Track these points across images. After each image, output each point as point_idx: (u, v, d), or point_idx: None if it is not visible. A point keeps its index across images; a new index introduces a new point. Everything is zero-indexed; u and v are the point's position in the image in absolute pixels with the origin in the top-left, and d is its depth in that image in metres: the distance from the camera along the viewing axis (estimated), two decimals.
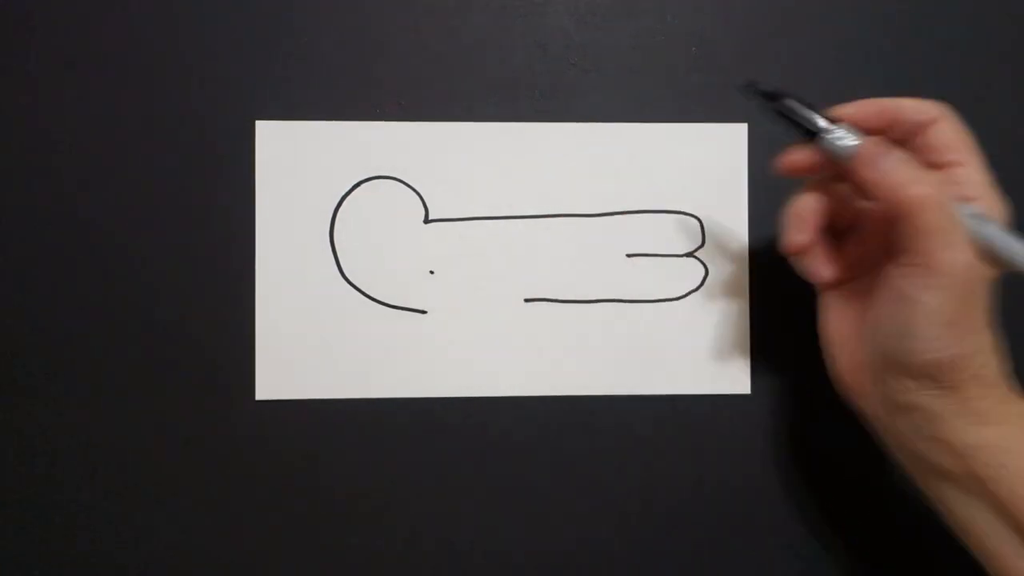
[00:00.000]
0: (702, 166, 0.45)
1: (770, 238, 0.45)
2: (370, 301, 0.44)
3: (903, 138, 0.36)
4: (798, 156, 0.37)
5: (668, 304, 0.45)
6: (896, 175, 0.33)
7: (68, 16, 0.43)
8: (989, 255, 0.33)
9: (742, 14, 0.45)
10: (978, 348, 0.33)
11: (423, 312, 0.44)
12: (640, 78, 0.45)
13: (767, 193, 0.45)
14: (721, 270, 0.45)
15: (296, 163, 0.44)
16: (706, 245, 0.45)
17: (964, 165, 0.35)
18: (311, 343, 0.44)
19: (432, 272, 0.44)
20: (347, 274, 0.44)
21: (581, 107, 0.45)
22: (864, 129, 0.35)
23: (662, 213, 0.45)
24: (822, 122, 0.35)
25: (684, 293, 0.45)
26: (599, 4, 0.45)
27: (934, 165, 0.35)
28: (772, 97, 0.36)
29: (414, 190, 0.44)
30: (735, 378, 0.44)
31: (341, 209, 0.44)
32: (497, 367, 0.44)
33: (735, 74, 0.45)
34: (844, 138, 0.34)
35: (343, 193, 0.44)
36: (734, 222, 0.45)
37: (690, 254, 0.45)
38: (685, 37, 0.45)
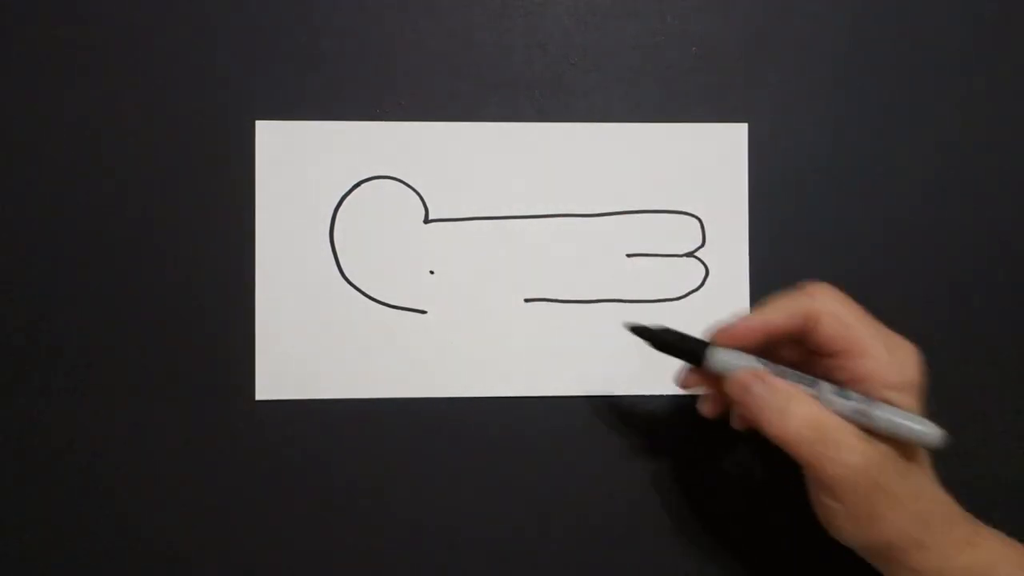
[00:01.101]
0: (702, 166, 0.45)
1: (770, 238, 0.45)
2: (370, 301, 0.44)
3: (802, 336, 0.35)
4: (691, 378, 0.38)
5: (668, 304, 0.45)
6: (764, 410, 0.33)
7: (68, 16, 0.43)
8: (888, 434, 0.33)
9: (742, 14, 0.45)
10: (903, 526, 0.33)
11: (423, 312, 0.44)
12: (640, 78, 0.45)
13: (767, 193, 0.45)
14: (721, 270, 0.45)
15: (296, 163, 0.44)
16: (706, 245, 0.45)
17: (852, 354, 0.34)
18: (311, 343, 0.44)
19: (432, 272, 0.44)
20: (347, 274, 0.44)
21: (581, 107, 0.45)
22: (756, 344, 0.35)
23: (662, 213, 0.45)
24: (707, 350, 0.36)
25: (684, 293, 0.45)
26: (599, 4, 0.45)
27: (827, 356, 0.35)
28: (653, 335, 0.38)
29: (414, 190, 0.44)
30: None
31: (341, 209, 0.44)
32: (497, 367, 0.44)
33: (735, 74, 0.45)
34: (725, 363, 0.36)
35: (343, 193, 0.44)
36: (734, 222, 0.45)
37: (690, 254, 0.45)
38: (685, 37, 0.45)
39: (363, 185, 0.44)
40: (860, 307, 0.35)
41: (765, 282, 0.45)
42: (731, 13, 0.45)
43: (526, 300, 0.44)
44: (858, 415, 0.33)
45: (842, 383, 0.34)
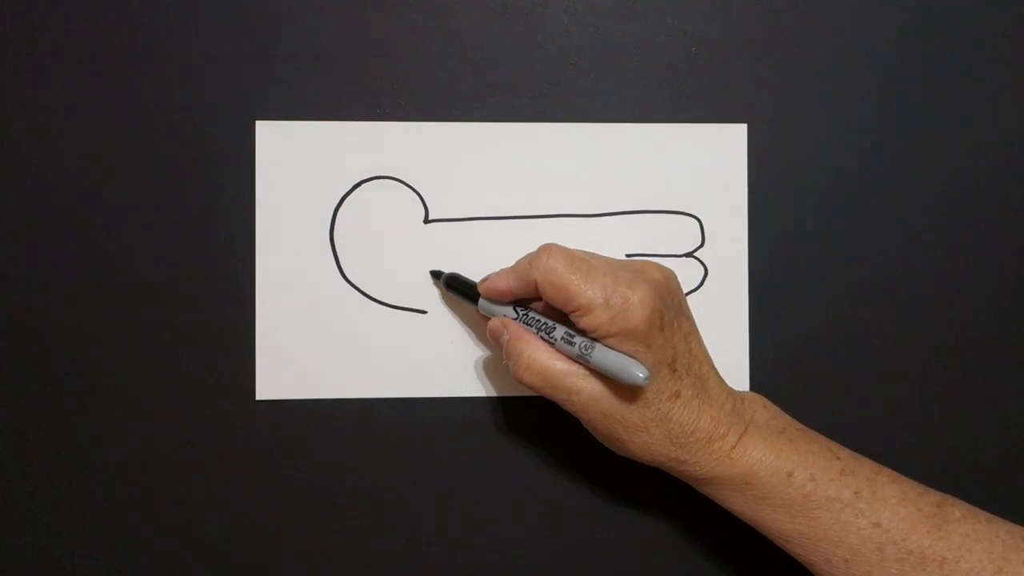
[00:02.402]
0: (702, 166, 0.45)
1: (770, 238, 0.45)
2: (370, 301, 0.44)
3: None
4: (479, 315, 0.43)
5: None
6: (508, 356, 0.39)
7: (68, 16, 0.43)
8: (605, 374, 0.37)
9: (742, 14, 0.45)
10: (652, 446, 0.38)
11: (423, 312, 0.44)
12: (640, 78, 0.45)
13: (767, 193, 0.45)
14: (721, 270, 0.45)
15: (296, 163, 0.44)
16: (706, 245, 0.45)
17: (572, 312, 0.38)
18: (311, 343, 0.44)
19: (432, 272, 0.44)
20: (347, 274, 0.44)
21: (581, 107, 0.45)
22: (506, 299, 0.41)
23: (662, 213, 0.45)
24: (479, 297, 0.42)
25: (684, 293, 0.45)
26: (599, 4, 0.45)
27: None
28: (440, 277, 0.44)
29: (414, 190, 0.44)
30: (734, 377, 0.44)
31: (341, 209, 0.44)
32: (497, 367, 0.44)
33: (735, 74, 0.45)
34: (487, 309, 0.41)
35: (343, 193, 0.44)
36: (734, 222, 0.45)
37: (690, 254, 0.45)
38: (685, 37, 0.45)
39: (363, 185, 0.44)
40: (587, 263, 0.38)
41: (764, 282, 0.45)
42: (731, 13, 0.45)
43: None
44: (581, 358, 0.38)
45: (577, 330, 0.38)
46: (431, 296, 0.44)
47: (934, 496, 0.38)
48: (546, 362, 0.38)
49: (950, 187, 0.45)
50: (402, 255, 0.44)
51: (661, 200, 0.45)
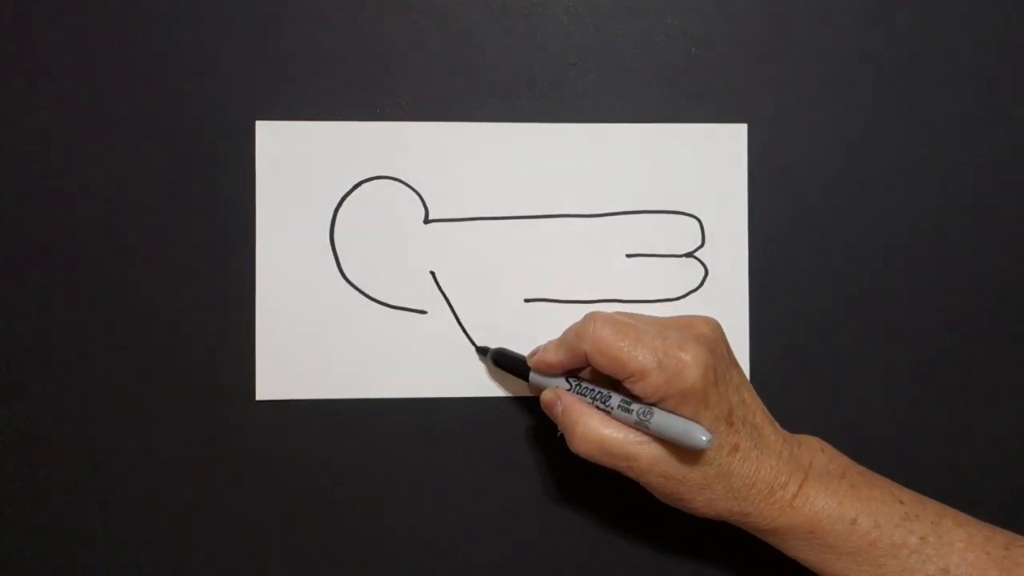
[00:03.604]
0: (702, 166, 0.45)
1: (770, 238, 0.45)
2: (370, 301, 0.44)
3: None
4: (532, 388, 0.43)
5: (668, 304, 0.45)
6: (563, 428, 0.39)
7: (68, 16, 0.43)
8: (665, 438, 0.37)
9: (742, 14, 0.45)
10: (716, 503, 0.38)
11: (423, 312, 0.44)
12: (640, 78, 0.45)
13: (767, 193, 0.45)
14: (721, 270, 0.45)
15: (296, 163, 0.44)
16: (706, 245, 0.45)
17: (625, 380, 0.37)
18: (311, 343, 0.44)
19: (432, 272, 0.44)
20: (347, 274, 0.44)
21: (581, 107, 0.45)
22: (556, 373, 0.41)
23: (662, 213, 0.45)
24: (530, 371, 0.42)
25: (684, 293, 0.45)
26: (599, 4, 0.45)
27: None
28: (487, 353, 0.44)
29: (414, 190, 0.44)
30: None
31: (341, 209, 0.44)
32: (497, 367, 0.44)
33: (735, 74, 0.45)
34: (538, 382, 0.41)
35: (343, 193, 0.44)
36: (734, 222, 0.45)
37: (690, 254, 0.45)
38: (685, 37, 0.45)
39: (363, 185, 0.44)
40: (634, 328, 0.38)
41: (764, 282, 0.45)
42: (731, 13, 0.45)
43: (526, 300, 0.45)
44: (640, 425, 0.37)
45: (632, 396, 0.38)
46: (431, 296, 0.44)
47: (1002, 538, 0.38)
48: (602, 431, 0.38)
49: (950, 187, 0.45)
50: (402, 255, 0.44)
51: (661, 200, 0.45)
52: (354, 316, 0.44)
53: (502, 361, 0.43)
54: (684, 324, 0.39)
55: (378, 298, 0.44)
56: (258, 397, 0.44)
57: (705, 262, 0.45)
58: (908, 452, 0.45)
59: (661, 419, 0.37)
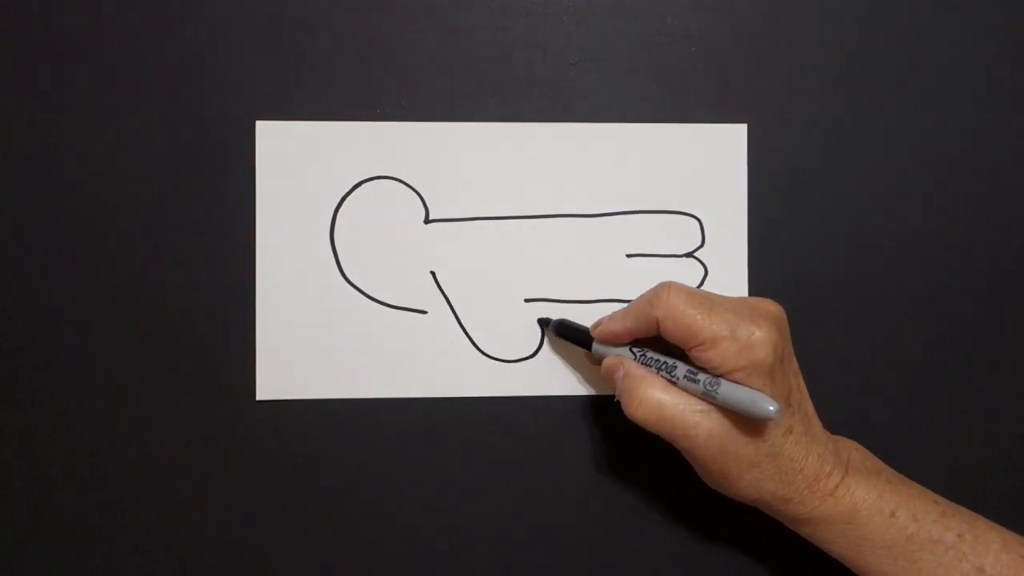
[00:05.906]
0: (702, 166, 0.45)
1: (769, 238, 0.45)
2: (370, 301, 0.44)
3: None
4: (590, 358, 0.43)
5: None
6: (622, 393, 0.39)
7: (68, 16, 0.43)
8: (732, 409, 0.37)
9: (742, 14, 0.45)
10: (761, 484, 0.38)
11: (423, 312, 0.44)
12: (640, 78, 0.45)
13: (767, 193, 0.45)
14: (721, 270, 0.45)
15: (296, 163, 0.44)
16: (706, 245, 0.45)
17: (695, 348, 0.37)
18: (311, 343, 0.44)
19: (432, 272, 0.44)
20: (347, 274, 0.44)
21: (581, 107, 0.45)
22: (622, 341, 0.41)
23: (662, 213, 0.45)
24: (592, 340, 0.42)
25: None
26: (599, 4, 0.45)
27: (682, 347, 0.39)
28: (548, 324, 0.44)
29: (414, 190, 0.44)
30: None
31: (341, 209, 0.44)
32: (497, 367, 0.44)
33: (735, 74, 0.45)
34: (600, 350, 0.41)
35: (343, 193, 0.44)
36: (734, 222, 0.45)
37: (690, 254, 0.45)
38: (685, 37, 0.45)
39: (363, 185, 0.44)
40: (708, 299, 0.38)
41: (764, 282, 0.45)
42: (731, 13, 0.45)
43: (526, 300, 0.45)
44: (706, 395, 0.37)
45: (698, 366, 0.38)
46: (431, 296, 0.44)
47: None
48: (663, 397, 0.38)
49: (950, 186, 0.45)
50: (402, 255, 0.44)
51: (661, 200, 0.45)
52: (354, 316, 0.44)
53: (564, 332, 0.43)
54: (753, 304, 0.39)
55: (378, 298, 0.44)
56: (258, 397, 0.44)
57: (705, 262, 0.45)
58: (908, 452, 0.45)
59: (729, 388, 0.36)
